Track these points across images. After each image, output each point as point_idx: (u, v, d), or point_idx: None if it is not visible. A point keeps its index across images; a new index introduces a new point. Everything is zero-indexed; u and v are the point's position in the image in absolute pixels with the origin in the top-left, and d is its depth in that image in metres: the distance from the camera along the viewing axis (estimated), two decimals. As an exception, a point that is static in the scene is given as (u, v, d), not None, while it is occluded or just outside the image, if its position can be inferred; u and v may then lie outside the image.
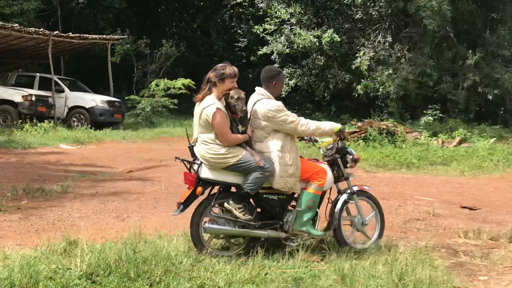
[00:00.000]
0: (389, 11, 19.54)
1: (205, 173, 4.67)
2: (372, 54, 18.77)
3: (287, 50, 20.31)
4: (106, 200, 7.10)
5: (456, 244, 5.33)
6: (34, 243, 5.03)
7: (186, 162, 4.72)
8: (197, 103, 4.79)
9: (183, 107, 22.85)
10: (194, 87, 21.04)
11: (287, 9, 20.29)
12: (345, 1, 20.29)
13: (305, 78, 21.81)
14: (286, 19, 20.38)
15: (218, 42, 29.73)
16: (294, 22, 20.64)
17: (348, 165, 5.11)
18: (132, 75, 25.11)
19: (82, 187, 7.96)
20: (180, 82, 20.88)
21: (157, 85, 20.91)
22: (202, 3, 30.51)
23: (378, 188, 8.80)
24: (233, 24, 31.10)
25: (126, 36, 23.17)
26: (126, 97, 21.45)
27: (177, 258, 4.36)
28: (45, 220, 5.98)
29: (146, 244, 4.75)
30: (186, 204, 4.71)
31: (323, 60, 20.70)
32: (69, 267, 4.05)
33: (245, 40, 28.21)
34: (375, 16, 20.15)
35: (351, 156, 5.12)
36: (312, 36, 19.14)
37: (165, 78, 21.54)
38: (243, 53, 31.16)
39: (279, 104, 4.91)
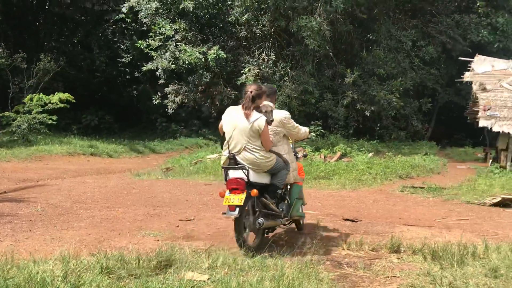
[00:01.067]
0: (272, 30, 20.04)
1: (253, 177, 5.59)
2: (257, 71, 19.09)
3: (172, 66, 20.13)
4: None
5: (340, 256, 5.45)
6: None
7: (244, 170, 5.53)
8: (238, 117, 5.63)
9: (62, 124, 21.90)
10: (73, 101, 20.24)
11: (172, 25, 20.14)
12: (229, 19, 20.55)
13: (192, 94, 21.75)
14: (171, 35, 20.22)
15: (100, 57, 28.91)
16: (179, 38, 20.53)
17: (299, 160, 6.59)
18: (7, 91, 23.64)
19: None
20: (57, 96, 19.89)
21: (31, 99, 19.82)
22: (83, 18, 29.53)
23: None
24: (116, 39, 30.43)
25: (0, 50, 21.81)
26: (1, 114, 20.15)
27: (53, 283, 4.06)
28: None
29: (19, 270, 4.39)
30: (243, 206, 5.37)
31: (209, 77, 20.76)
32: None
33: (128, 55, 27.66)
34: (258, 34, 20.57)
35: (303, 153, 6.97)
36: (197, 52, 19.12)
37: (41, 93, 20.45)
38: (127, 69, 30.57)
39: (288, 113, 6.15)
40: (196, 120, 28.81)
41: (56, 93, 20.27)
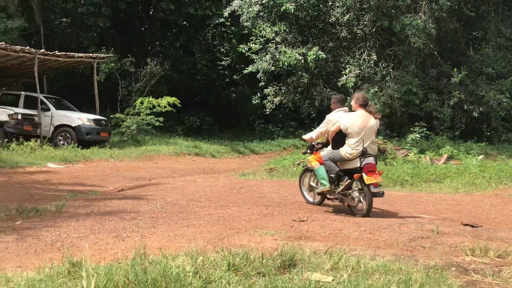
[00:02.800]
0: (374, 29, 19.74)
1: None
2: (358, 71, 18.89)
3: (272, 68, 20.36)
4: (103, 219, 6.93)
5: (464, 262, 5.27)
6: (35, 265, 4.87)
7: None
8: (366, 119, 7.59)
9: (167, 125, 22.77)
10: (180, 105, 21.06)
11: (272, 28, 20.36)
12: (329, 20, 20.49)
13: (290, 95, 21.86)
14: (271, 37, 20.45)
15: (202, 61, 29.74)
16: (279, 41, 20.72)
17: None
18: (116, 94, 24.94)
19: (76, 207, 7.79)
20: (165, 100, 20.83)
21: (141, 103, 20.81)
22: (185, 23, 30.53)
23: (374, 205, 8.77)
24: (215, 43, 31.19)
25: (112, 55, 23.06)
26: (112, 116, 21.31)
27: (185, 279, 4.24)
28: (43, 240, 5.81)
29: (151, 264, 4.62)
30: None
31: (308, 78, 20.80)
32: (75, 290, 3.92)
33: (228, 58, 28.29)
34: (359, 34, 20.32)
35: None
36: (297, 53, 19.21)
37: (150, 96, 21.46)
38: (226, 72, 31.26)
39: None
40: (293, 121, 28.93)
41: (164, 97, 21.20)
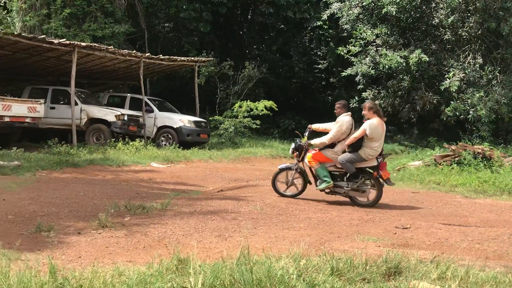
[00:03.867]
0: (479, 31, 18.90)
1: None
2: (462, 75, 18.14)
3: (372, 72, 20.00)
4: (205, 218, 7.11)
5: None
6: (144, 260, 5.07)
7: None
8: (383, 126, 8.87)
9: (263, 128, 22.98)
10: (277, 109, 21.22)
11: (373, 30, 20.01)
12: (432, 22, 19.85)
13: (390, 99, 21.38)
14: (371, 40, 20.10)
15: (299, 64, 29.76)
16: (380, 43, 20.32)
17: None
18: (215, 96, 25.53)
19: (180, 205, 8.04)
20: (262, 104, 21.05)
21: (240, 106, 21.17)
22: (283, 26, 30.68)
23: (481, 215, 8.40)
24: (312, 46, 31.10)
25: (212, 58, 23.62)
26: (210, 118, 21.84)
27: (289, 281, 4.25)
28: (150, 237, 6.04)
29: (255, 265, 4.66)
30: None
31: (409, 81, 20.25)
32: (184, 286, 4.02)
33: (325, 62, 28.12)
34: (464, 36, 19.52)
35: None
36: (398, 56, 18.75)
37: (248, 100, 21.77)
38: (322, 75, 31.06)
39: None
40: (391, 126, 28.23)
41: (262, 100, 21.43)
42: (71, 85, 16.14)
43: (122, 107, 18.83)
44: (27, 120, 14.95)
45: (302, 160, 9.23)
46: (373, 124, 8.66)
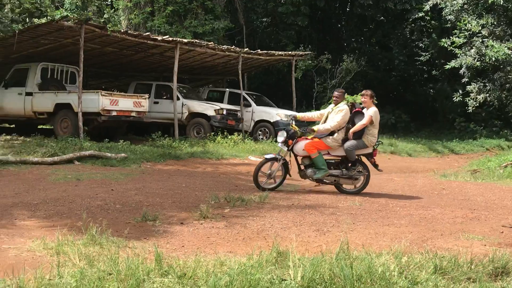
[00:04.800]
0: None
1: None
2: None
3: (477, 64, 19.11)
4: (303, 212, 7.12)
5: None
6: (244, 251, 5.17)
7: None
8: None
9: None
10: (376, 102, 20.76)
11: (478, 21, 19.10)
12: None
13: (496, 93, 20.34)
14: (477, 31, 19.20)
15: (399, 57, 28.99)
16: (486, 34, 19.37)
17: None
18: (312, 90, 25.45)
19: (278, 199, 8.10)
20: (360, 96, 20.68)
21: (338, 100, 20.92)
22: (382, 18, 30.00)
23: None
24: (413, 37, 30.17)
25: (310, 52, 23.53)
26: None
27: (390, 278, 4.16)
28: (249, 229, 6.13)
29: (355, 260, 4.60)
30: None
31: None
32: (283, 278, 4.05)
33: (427, 54, 27.19)
34: None
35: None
36: (506, 48, 17.80)
37: (346, 94, 21.46)
38: (424, 67, 30.05)
39: None
40: (497, 121, 26.83)
41: (360, 93, 21.03)
42: (173, 81, 16.70)
43: (221, 101, 19.24)
44: (133, 114, 15.61)
45: (292, 149, 8.97)
46: (376, 112, 9.03)
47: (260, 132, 18.57)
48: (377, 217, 7.03)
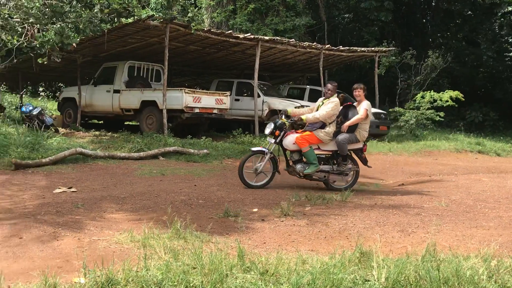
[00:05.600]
0: None
1: None
2: None
3: None
4: (387, 212, 6.96)
5: None
6: (326, 250, 5.12)
7: None
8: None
9: (446, 120, 21.84)
10: (463, 99, 20.03)
11: None
12: None
13: None
14: None
15: (487, 52, 27.80)
16: None
17: None
18: (395, 87, 24.88)
19: (360, 198, 7.96)
20: (447, 94, 20.00)
21: (422, 97, 20.35)
22: (470, 12, 28.88)
23: None
24: (502, 33, 28.85)
25: (393, 48, 22.99)
26: (390, 109, 21.32)
27: (479, 282, 3.98)
28: (331, 227, 6.07)
29: (442, 263, 4.44)
30: None
31: None
32: (366, 279, 3.98)
33: (518, 49, 25.96)
34: None
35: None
36: None
37: (432, 91, 20.83)
38: (514, 64, 28.72)
39: None
40: None
41: (446, 91, 20.39)
42: (254, 78, 16.81)
43: (302, 99, 19.16)
44: (215, 111, 15.84)
45: (280, 142, 8.54)
46: (370, 106, 8.85)
47: (340, 130, 18.31)
48: (464, 218, 6.76)
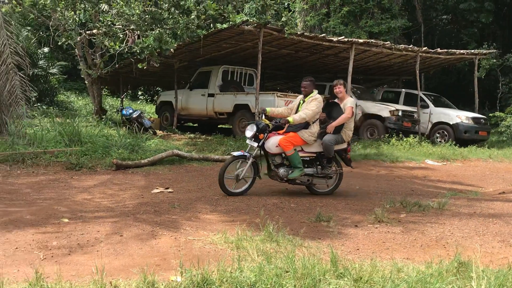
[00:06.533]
0: None
1: None
2: None
3: None
4: (486, 221, 6.64)
5: None
6: (422, 258, 4.96)
7: None
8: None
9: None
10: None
11: None
12: None
13: None
14: None
15: None
16: None
17: None
18: (495, 91, 23.75)
19: (458, 205, 7.65)
20: None
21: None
22: None
23: None
24: None
25: (495, 51, 21.94)
26: (490, 114, 20.38)
27: None
28: (427, 236, 5.87)
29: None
30: None
31: None
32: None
33: None
34: None
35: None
36: None
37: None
38: None
39: None
40: None
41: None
42: (348, 81, 16.60)
43: (396, 102, 18.71)
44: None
45: (263, 146, 7.85)
46: (354, 103, 8.44)
47: (438, 135, 17.69)
48: None
